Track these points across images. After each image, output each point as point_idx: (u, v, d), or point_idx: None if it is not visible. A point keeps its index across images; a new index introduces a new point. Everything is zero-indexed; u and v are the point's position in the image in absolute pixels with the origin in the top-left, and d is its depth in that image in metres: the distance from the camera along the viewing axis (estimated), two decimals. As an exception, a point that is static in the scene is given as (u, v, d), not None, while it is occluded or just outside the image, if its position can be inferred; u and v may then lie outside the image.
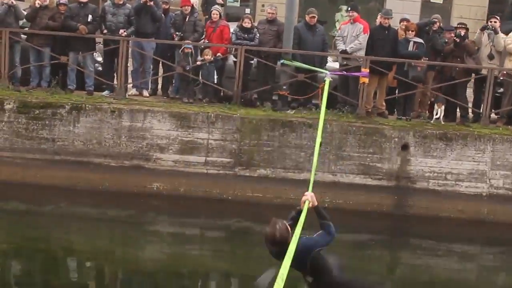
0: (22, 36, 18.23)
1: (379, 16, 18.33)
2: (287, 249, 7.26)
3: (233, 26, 18.58)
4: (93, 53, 18.30)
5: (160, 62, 18.59)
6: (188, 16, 18.19)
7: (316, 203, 7.87)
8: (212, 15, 18.34)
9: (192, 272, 13.65)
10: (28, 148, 16.96)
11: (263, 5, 22.40)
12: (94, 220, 15.94)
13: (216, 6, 19.22)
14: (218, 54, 17.97)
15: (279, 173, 16.58)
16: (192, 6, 18.48)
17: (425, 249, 16.03)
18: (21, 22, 18.24)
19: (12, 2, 17.82)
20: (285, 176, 16.55)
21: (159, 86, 18.92)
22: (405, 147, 16.79)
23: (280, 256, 7.38)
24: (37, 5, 17.81)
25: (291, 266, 7.11)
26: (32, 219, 15.87)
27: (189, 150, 16.95)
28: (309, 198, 7.85)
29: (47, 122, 16.96)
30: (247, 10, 24.35)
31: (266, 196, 16.16)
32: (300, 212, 7.83)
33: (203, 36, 18.23)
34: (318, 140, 9.71)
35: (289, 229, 7.63)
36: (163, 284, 13.06)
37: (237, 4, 27.01)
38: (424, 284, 14.25)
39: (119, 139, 16.98)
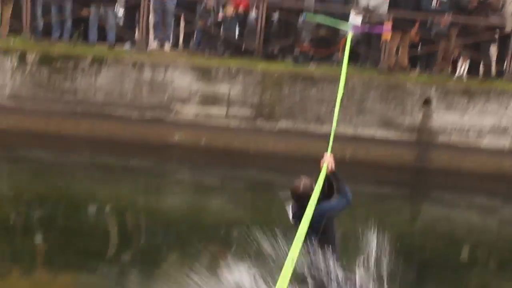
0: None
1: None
2: (306, 206, 7.22)
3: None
4: (114, 7, 18.38)
5: (182, 15, 18.67)
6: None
7: (334, 168, 7.71)
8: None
9: (213, 222, 13.58)
10: (51, 99, 17.12)
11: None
12: (116, 170, 16.12)
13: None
14: (240, 8, 18.02)
15: (300, 126, 16.63)
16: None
17: (446, 202, 16.08)
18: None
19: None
20: (306, 128, 16.60)
21: (181, 40, 19.07)
22: (427, 101, 16.80)
23: (299, 220, 7.36)
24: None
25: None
26: (55, 168, 16.00)
27: (210, 102, 17.05)
28: (327, 162, 7.70)
29: (69, 74, 17.10)
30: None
31: (287, 148, 16.18)
32: None
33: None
34: (339, 100, 9.65)
35: (313, 187, 7.52)
36: (184, 233, 12.88)
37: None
38: (444, 236, 14.11)
39: (140, 91, 17.11)
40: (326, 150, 7.94)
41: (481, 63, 18.08)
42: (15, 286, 9.79)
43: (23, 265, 10.63)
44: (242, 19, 18.19)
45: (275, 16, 18.17)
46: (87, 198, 14.43)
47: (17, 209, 13.76)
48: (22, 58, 17.13)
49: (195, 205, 14.87)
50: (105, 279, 10.31)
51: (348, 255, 11.58)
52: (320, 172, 7.62)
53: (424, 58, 18.26)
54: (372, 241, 12.82)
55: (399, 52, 17.83)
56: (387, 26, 17.10)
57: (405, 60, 17.86)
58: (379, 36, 17.45)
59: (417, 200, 16.28)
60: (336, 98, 9.36)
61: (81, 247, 11.59)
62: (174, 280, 10.00)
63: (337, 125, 8.72)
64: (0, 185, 15.43)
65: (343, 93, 10.33)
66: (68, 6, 17.98)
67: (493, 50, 18.14)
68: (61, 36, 18.12)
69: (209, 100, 17.07)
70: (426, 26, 17.87)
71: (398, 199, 15.94)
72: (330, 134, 8.36)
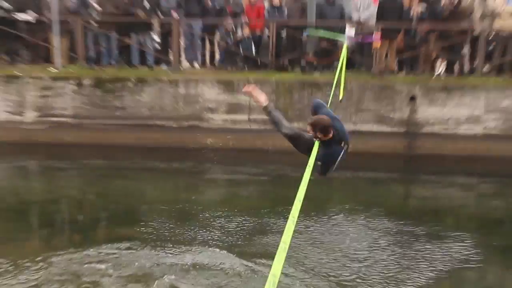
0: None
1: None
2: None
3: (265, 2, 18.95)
4: (150, 34, 18.65)
5: (206, 38, 18.98)
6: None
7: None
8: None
9: (243, 210, 13.91)
10: (104, 116, 17.56)
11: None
12: (161, 172, 16.41)
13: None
14: (256, 30, 18.46)
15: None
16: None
17: (432, 183, 16.37)
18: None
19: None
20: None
21: (207, 59, 19.34)
22: (412, 98, 17.07)
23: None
24: (103, -4, 18.26)
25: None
26: (111, 173, 16.39)
27: (235, 110, 17.34)
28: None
29: (117, 94, 17.55)
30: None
31: None
32: None
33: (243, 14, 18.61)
34: (341, 90, 10.13)
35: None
36: (221, 220, 13.22)
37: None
38: (431, 211, 14.44)
39: (177, 104, 17.50)
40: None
41: (456, 62, 18.33)
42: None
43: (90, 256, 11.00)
44: (257, 38, 18.46)
45: (283, 33, 18.40)
46: (140, 195, 14.85)
47: (82, 207, 14.28)
48: (79, 83, 17.53)
49: (228, 196, 15.33)
50: (154, 263, 10.62)
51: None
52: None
53: (408, 61, 18.38)
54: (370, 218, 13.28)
55: (388, 57, 18.20)
56: (377, 36, 17.42)
57: (393, 64, 18.27)
58: (370, 44, 17.74)
59: (407, 182, 16.50)
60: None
61: (136, 235, 12.10)
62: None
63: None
64: (67, 189, 15.72)
65: (343, 95, 10.91)
66: (113, 37, 18.42)
67: (466, 51, 18.25)
68: (109, 62, 18.57)
69: (234, 108, 17.33)
70: (409, 34, 18.06)
71: (392, 182, 16.18)
72: None
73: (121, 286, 9.92)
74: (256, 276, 10.07)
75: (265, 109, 8.25)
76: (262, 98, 8.32)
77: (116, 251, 11.33)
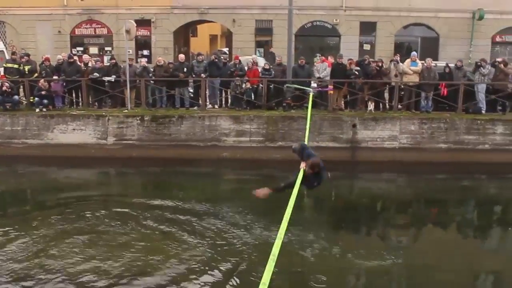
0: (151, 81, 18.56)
1: (336, 57, 18.69)
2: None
3: (259, 68, 18.99)
4: (187, 88, 18.61)
5: (223, 89, 18.89)
6: (237, 64, 18.85)
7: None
8: (249, 64, 18.90)
9: (246, 198, 12.88)
10: (157, 139, 17.26)
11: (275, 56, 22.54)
12: (194, 174, 16.20)
13: (251, 58, 19.61)
14: (254, 84, 18.38)
15: (288, 144, 16.03)
16: (239, 60, 19.21)
17: (367, 178, 16.35)
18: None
19: (145, 64, 18.66)
20: (291, 145, 16.38)
21: (223, 102, 19.13)
22: (354, 125, 16.90)
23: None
24: (157, 63, 18.40)
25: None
26: (161, 177, 16.18)
27: (241, 134, 17.10)
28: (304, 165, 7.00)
29: (166, 125, 17.26)
30: (265, 60, 24.42)
31: (282, 157, 15.84)
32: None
33: (245, 74, 18.56)
34: (308, 123, 10.08)
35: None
36: (231, 203, 13.17)
37: (261, 57, 27.24)
38: (366, 196, 14.64)
39: (204, 131, 17.22)
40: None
41: (380, 103, 18.19)
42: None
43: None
44: (254, 89, 18.41)
45: (272, 85, 18.36)
46: (180, 188, 14.71)
47: (140, 194, 14.17)
48: (142, 119, 17.29)
49: (239, 188, 15.10)
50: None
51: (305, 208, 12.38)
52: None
53: (351, 102, 18.38)
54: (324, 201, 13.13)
55: (338, 100, 18.08)
56: (331, 87, 17.47)
57: (341, 104, 18.16)
58: (327, 92, 17.69)
59: (351, 178, 16.37)
60: (305, 126, 10.16)
61: (174, 211, 12.17)
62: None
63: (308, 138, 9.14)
64: (134, 187, 15.53)
65: (310, 124, 10.71)
66: (164, 89, 18.28)
67: (386, 95, 18.32)
68: (161, 105, 18.38)
69: (240, 133, 17.10)
70: (351, 85, 18.03)
71: (341, 178, 15.80)
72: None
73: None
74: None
75: (275, 191, 7.16)
76: (265, 192, 7.24)
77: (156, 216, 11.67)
